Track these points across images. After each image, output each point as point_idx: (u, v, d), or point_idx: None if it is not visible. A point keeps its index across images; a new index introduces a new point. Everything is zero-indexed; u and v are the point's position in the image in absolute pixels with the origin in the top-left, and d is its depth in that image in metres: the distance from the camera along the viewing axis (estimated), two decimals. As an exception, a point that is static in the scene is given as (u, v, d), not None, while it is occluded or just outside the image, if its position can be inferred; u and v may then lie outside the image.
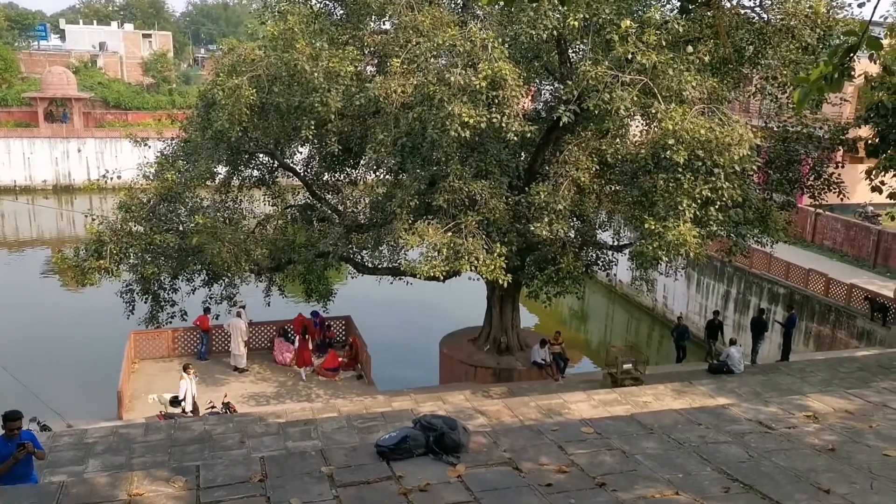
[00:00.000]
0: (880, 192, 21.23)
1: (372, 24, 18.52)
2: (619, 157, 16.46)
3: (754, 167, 15.04)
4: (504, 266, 15.70)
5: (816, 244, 31.08)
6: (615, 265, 21.56)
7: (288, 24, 16.44)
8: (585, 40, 15.52)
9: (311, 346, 21.31)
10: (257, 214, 21.25)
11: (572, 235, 17.70)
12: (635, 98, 14.14)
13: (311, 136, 17.11)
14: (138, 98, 64.33)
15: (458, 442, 5.88)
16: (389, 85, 14.68)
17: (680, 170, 14.21)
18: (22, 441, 8.60)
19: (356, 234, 19.18)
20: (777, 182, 19.37)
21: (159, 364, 21.60)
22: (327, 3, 19.43)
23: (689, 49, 14.94)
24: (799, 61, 15.76)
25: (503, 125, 14.44)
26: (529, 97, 19.89)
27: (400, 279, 20.82)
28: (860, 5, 19.93)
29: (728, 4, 16.23)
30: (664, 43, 14.58)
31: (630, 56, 14.17)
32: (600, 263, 20.90)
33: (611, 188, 17.97)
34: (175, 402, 16.39)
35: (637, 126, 16.91)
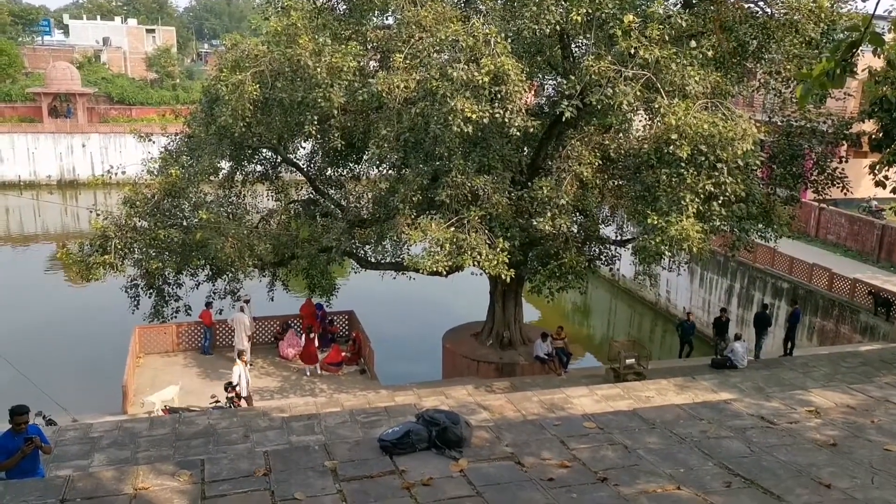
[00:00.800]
0: (884, 186, 21.17)
1: (375, 19, 18.53)
2: (622, 152, 16.45)
3: (758, 162, 15.01)
4: (507, 261, 15.73)
5: (820, 239, 31.00)
6: (618, 260, 21.55)
7: (291, 20, 16.45)
8: (588, 35, 15.47)
9: (317, 344, 21.33)
10: (261, 210, 21.29)
11: (575, 230, 17.69)
12: (638, 93, 14.11)
13: (314, 132, 17.16)
14: (142, 93, 64.33)
15: (461, 436, 5.89)
16: (392, 80, 14.67)
17: (683, 165, 14.20)
18: (29, 435, 8.66)
19: (359, 229, 19.22)
20: (781, 177, 19.35)
21: (164, 359, 21.72)
22: (330, -2, 19.44)
23: (693, 44, 14.89)
24: (803, 56, 15.68)
25: (506, 120, 14.42)
26: (532, 92, 19.85)
27: (403, 274, 20.87)
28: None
29: (731, -1, 16.18)
30: (667, 38, 14.54)
31: (633, 51, 14.13)
32: (603, 258, 20.91)
33: (614, 183, 17.94)
34: (229, 386, 16.53)
35: (640, 121, 16.89)
